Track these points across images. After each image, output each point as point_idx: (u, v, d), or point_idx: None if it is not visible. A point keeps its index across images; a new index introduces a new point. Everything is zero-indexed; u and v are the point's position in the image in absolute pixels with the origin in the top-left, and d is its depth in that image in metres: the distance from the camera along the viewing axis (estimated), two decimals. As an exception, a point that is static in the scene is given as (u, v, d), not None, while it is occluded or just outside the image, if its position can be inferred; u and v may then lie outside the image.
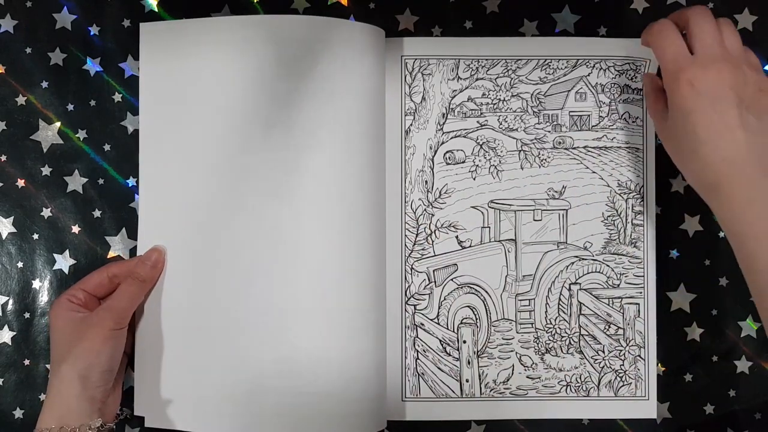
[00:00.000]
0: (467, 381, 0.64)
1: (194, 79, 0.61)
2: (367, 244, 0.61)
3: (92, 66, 0.64)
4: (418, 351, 0.64)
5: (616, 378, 0.64)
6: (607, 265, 0.65)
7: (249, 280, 0.60)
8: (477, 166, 0.64)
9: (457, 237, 0.64)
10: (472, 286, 0.64)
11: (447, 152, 0.64)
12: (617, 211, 0.64)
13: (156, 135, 0.62)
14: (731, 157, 0.53)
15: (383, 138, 0.63)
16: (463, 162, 0.65)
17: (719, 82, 0.54)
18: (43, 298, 0.63)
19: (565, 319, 0.64)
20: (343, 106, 0.60)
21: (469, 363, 0.64)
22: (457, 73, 0.64)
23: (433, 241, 0.64)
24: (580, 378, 0.64)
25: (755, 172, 0.53)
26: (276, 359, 0.60)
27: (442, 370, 0.64)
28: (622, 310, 0.64)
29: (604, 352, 0.64)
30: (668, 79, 0.56)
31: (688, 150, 0.55)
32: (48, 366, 0.63)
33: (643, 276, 0.64)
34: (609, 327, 0.64)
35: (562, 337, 0.64)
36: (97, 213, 0.64)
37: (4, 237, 0.63)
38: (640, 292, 0.64)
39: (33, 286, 0.64)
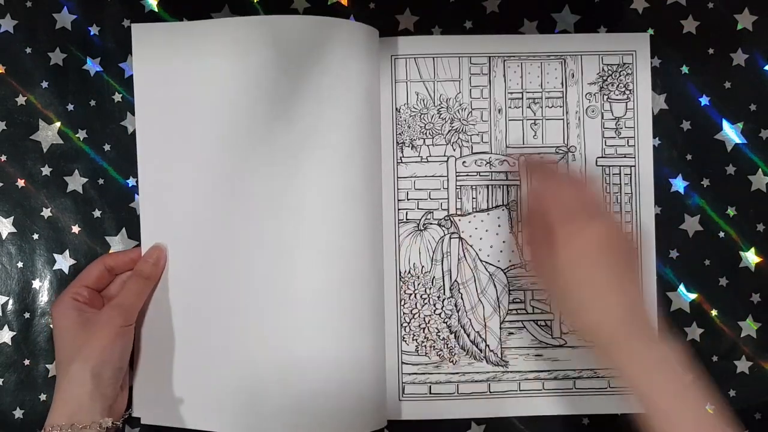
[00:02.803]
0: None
1: (191, 80, 0.61)
2: (364, 243, 0.61)
3: (92, 66, 0.64)
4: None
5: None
6: None
7: (248, 280, 0.60)
8: None
9: (456, 237, 0.65)
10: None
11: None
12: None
13: (153, 135, 0.62)
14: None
15: (379, 138, 0.63)
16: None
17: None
18: (43, 298, 0.63)
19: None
20: (340, 105, 0.60)
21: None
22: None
23: (431, 241, 0.65)
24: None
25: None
26: (276, 359, 0.60)
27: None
28: None
29: None
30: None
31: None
32: (48, 366, 0.63)
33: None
34: None
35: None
36: (97, 213, 0.64)
37: (4, 237, 0.63)
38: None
39: (33, 286, 0.64)
